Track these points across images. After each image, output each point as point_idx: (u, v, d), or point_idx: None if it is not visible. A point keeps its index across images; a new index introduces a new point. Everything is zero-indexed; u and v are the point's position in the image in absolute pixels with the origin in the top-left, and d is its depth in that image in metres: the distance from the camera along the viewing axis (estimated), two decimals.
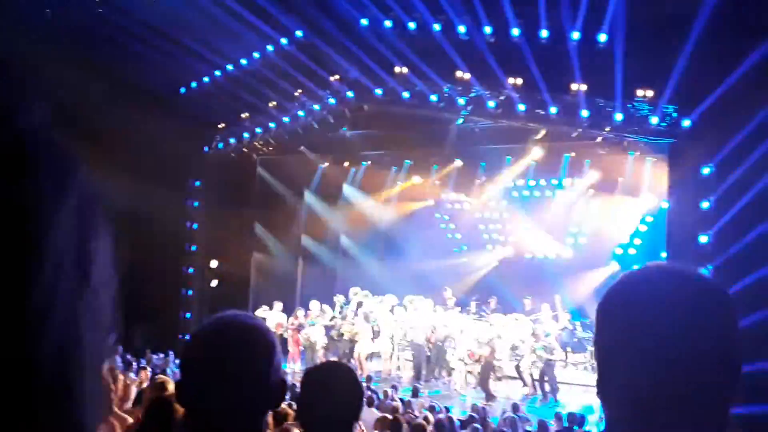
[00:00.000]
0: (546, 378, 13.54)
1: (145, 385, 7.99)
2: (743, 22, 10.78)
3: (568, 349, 15.83)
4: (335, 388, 2.12)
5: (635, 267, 1.15)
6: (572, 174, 17.67)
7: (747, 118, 10.17)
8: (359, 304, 15.89)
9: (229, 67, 15.61)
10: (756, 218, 10.04)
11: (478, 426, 8.53)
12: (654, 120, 12.09)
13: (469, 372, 14.33)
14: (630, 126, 12.55)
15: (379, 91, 14.31)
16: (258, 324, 1.49)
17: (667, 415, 1.02)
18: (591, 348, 16.08)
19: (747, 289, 10.06)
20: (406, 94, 14.00)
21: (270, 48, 15.16)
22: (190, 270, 17.24)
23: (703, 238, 11.19)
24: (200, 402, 1.41)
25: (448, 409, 10.06)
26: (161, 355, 13.56)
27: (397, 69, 13.94)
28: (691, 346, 1.01)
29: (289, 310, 15.94)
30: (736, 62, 10.33)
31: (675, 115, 11.95)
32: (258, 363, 1.43)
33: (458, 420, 9.37)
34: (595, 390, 1.12)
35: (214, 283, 17.00)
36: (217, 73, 15.78)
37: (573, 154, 16.45)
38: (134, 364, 11.51)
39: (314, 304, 15.90)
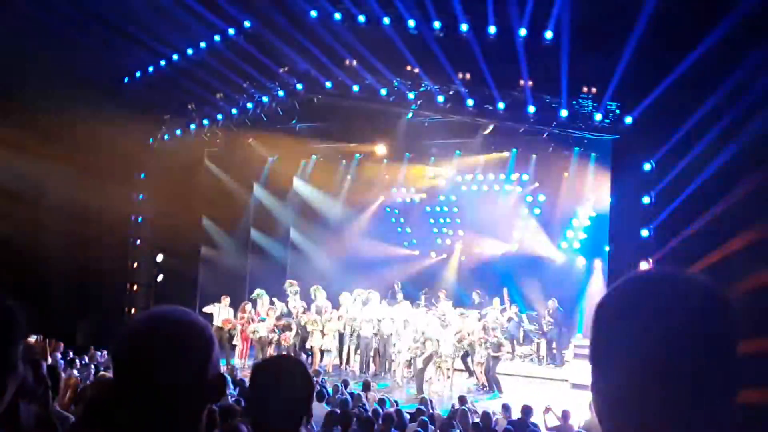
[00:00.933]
0: (489, 371, 13.71)
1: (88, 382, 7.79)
2: (683, 21, 11.12)
3: (515, 341, 16.14)
4: (285, 381, 2.10)
5: (635, 273, 1.13)
6: (519, 169, 17.97)
7: (686, 116, 10.49)
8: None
9: (175, 56, 15.28)
10: (694, 213, 10.39)
11: (426, 419, 8.61)
12: (598, 117, 12.37)
13: (410, 364, 14.45)
14: (575, 122, 12.82)
15: (328, 84, 14.23)
16: (194, 319, 1.45)
17: (660, 418, 1.02)
18: (537, 340, 16.43)
19: None
20: (355, 88, 13.96)
21: (217, 38, 14.90)
22: (135, 264, 16.86)
23: (644, 232, 11.52)
24: (133, 400, 1.37)
25: (396, 403, 10.11)
26: (105, 353, 13.23)
27: (346, 62, 13.89)
28: (687, 350, 1.01)
29: (237, 305, 15.73)
30: (676, 61, 10.64)
31: (618, 112, 12.25)
32: (194, 358, 1.39)
33: (407, 413, 9.43)
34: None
35: (160, 277, 16.67)
36: (162, 62, 15.43)
37: (520, 149, 16.75)
38: (77, 361, 11.20)
39: (265, 299, 15.76)
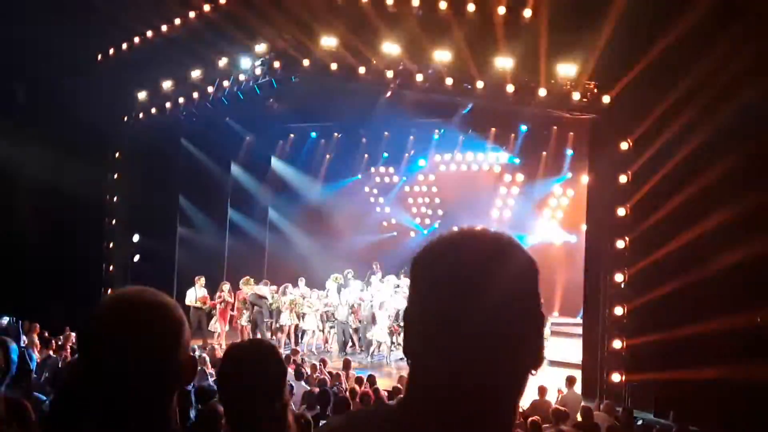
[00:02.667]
0: None
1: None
2: (661, 1, 11.16)
3: None
4: (256, 365, 2.10)
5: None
6: (498, 148, 18.01)
7: (663, 96, 10.56)
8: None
9: (149, 33, 15.00)
10: (671, 192, 10.51)
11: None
12: (575, 96, 12.39)
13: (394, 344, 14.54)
14: (553, 101, 12.83)
15: (306, 62, 14.07)
16: (163, 299, 1.41)
17: (456, 371, 1.04)
18: None
19: (661, 259, 10.57)
20: (333, 66, 13.82)
21: (192, 14, 14.65)
22: (111, 245, 16.68)
23: (621, 211, 11.63)
24: (100, 382, 1.34)
25: (373, 381, 10.15)
26: None
27: (324, 40, 13.74)
28: (490, 307, 1.03)
29: (215, 285, 15.66)
30: (654, 41, 10.68)
31: (596, 91, 12.28)
32: (162, 340, 1.36)
33: (385, 391, 9.49)
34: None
35: (136, 258, 16.51)
36: (136, 39, 15.14)
37: (498, 128, 16.77)
38: (53, 342, 11.10)
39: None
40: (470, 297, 1.04)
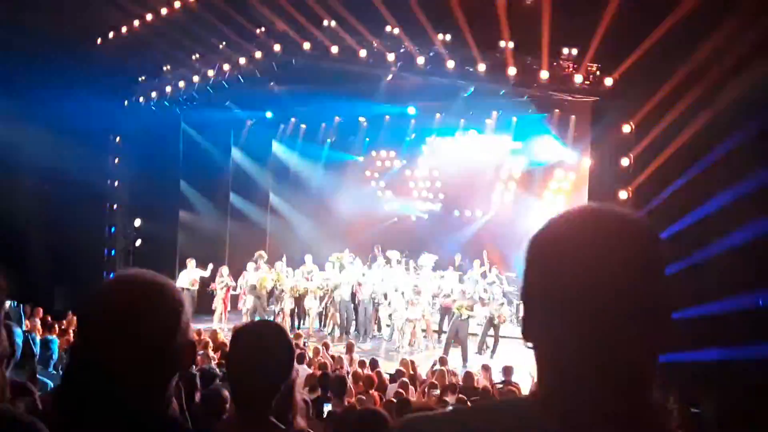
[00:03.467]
0: (459, 333, 13.67)
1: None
2: None
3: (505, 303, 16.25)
4: (265, 347, 2.09)
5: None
6: (499, 131, 17.94)
7: (666, 78, 10.50)
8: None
9: (149, 16, 14.88)
10: (673, 175, 10.48)
11: (407, 380, 8.70)
12: (578, 78, 12.32)
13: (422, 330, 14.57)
14: (555, 84, 12.76)
15: (307, 45, 13.98)
16: (164, 282, 1.40)
17: (591, 355, 1.01)
18: (517, 302, 16.60)
19: (664, 242, 10.54)
20: (334, 49, 13.73)
21: None
22: (113, 229, 16.69)
23: (623, 194, 11.61)
24: (96, 365, 1.33)
25: (375, 365, 10.19)
26: None
27: (325, 23, 13.64)
28: (618, 286, 1.00)
29: (217, 269, 15.71)
30: (656, 23, 10.60)
31: (598, 74, 12.21)
32: (161, 322, 1.35)
33: (387, 374, 9.53)
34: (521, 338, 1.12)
35: (138, 242, 16.53)
36: (136, 23, 15.03)
37: (500, 111, 16.69)
38: (56, 327, 11.13)
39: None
40: (604, 275, 1.00)
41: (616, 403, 1.02)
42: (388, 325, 15.28)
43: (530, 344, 1.09)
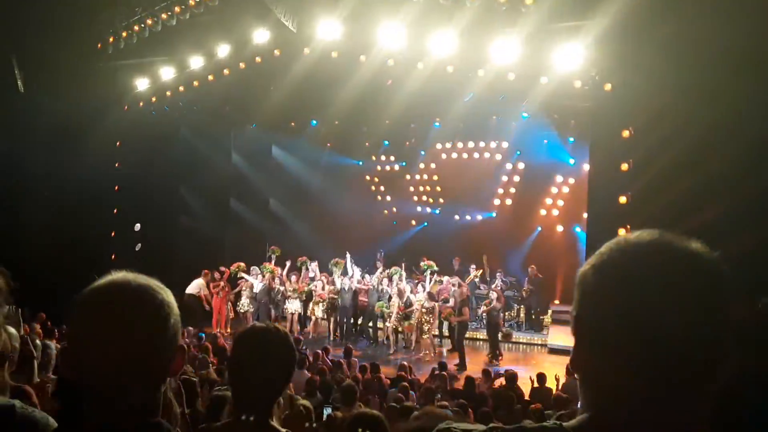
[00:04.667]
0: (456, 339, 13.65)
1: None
2: None
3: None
4: (267, 350, 2.09)
5: (627, 236, 1.09)
6: (499, 137, 17.97)
7: (665, 83, 10.51)
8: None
9: (149, 20, 14.88)
10: (672, 180, 10.47)
11: (407, 384, 8.69)
12: (577, 84, 12.33)
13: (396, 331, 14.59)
14: (554, 89, 12.76)
15: (307, 51, 14.00)
16: (151, 285, 1.38)
17: (659, 391, 1.00)
18: (517, 306, 16.61)
19: None
20: (334, 54, 13.75)
21: (192, 1, 14.53)
22: (113, 234, 16.67)
23: (623, 199, 11.60)
24: (83, 371, 1.32)
25: (377, 369, 10.18)
26: None
27: (325, 27, 13.62)
28: (687, 323, 0.98)
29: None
30: (656, 28, 10.61)
31: (597, 78, 12.22)
32: (148, 327, 1.33)
33: (387, 379, 9.52)
34: (569, 364, 1.10)
35: (138, 247, 16.52)
36: (136, 27, 15.02)
37: (500, 116, 16.72)
38: (56, 331, 11.12)
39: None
40: (672, 316, 0.98)
41: None
42: (380, 328, 15.28)
43: (577, 374, 1.08)
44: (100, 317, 1.32)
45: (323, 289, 15.32)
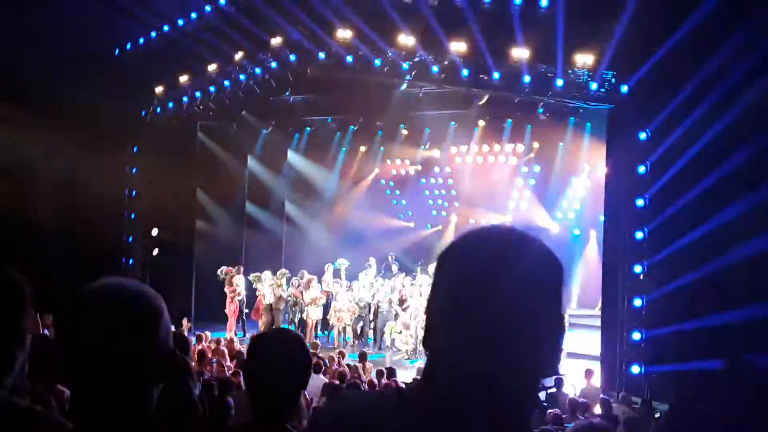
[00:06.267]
0: None
1: None
2: None
3: None
4: (283, 355, 2.10)
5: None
6: (514, 140, 17.90)
7: (682, 84, 10.43)
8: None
9: (166, 27, 15.06)
10: (690, 182, 10.39)
11: None
12: (593, 86, 12.26)
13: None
14: (570, 92, 12.71)
15: (322, 55, 14.06)
16: (142, 290, 1.39)
17: (479, 371, 1.04)
18: None
19: (681, 249, 10.47)
20: (349, 59, 13.79)
21: (208, 8, 14.69)
22: (131, 239, 16.82)
23: (640, 202, 11.52)
24: (74, 375, 1.33)
25: (393, 374, 10.17)
26: None
27: (340, 32, 13.71)
28: (516, 307, 1.04)
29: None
30: (672, 29, 10.54)
31: (613, 81, 12.15)
32: (135, 332, 1.33)
33: (404, 384, 9.50)
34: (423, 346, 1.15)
35: (155, 252, 16.63)
36: (153, 34, 15.21)
37: (515, 119, 16.64)
38: None
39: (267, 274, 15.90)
40: (489, 294, 1.04)
41: (492, 414, 1.05)
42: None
43: (426, 351, 1.14)
44: (91, 320, 1.32)
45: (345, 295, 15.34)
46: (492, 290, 1.04)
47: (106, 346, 1.30)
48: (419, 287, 14.86)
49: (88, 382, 1.32)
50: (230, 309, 15.54)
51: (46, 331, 10.61)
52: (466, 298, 1.05)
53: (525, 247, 1.10)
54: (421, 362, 13.16)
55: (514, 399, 1.07)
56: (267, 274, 15.74)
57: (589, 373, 10.36)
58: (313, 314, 15.39)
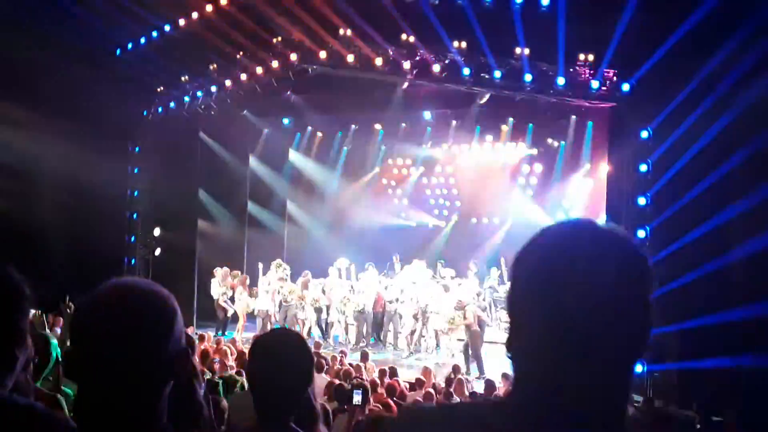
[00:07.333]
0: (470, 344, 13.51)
1: None
2: None
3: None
4: (285, 355, 2.10)
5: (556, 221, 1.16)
6: (515, 138, 17.88)
7: (684, 83, 10.42)
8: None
9: (167, 27, 15.04)
10: (692, 180, 10.38)
11: (432, 390, 8.68)
12: (595, 84, 12.26)
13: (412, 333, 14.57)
14: (572, 90, 12.70)
15: (323, 54, 14.06)
16: (156, 290, 1.39)
17: (575, 369, 1.03)
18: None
19: (683, 248, 10.46)
20: (350, 58, 13.79)
21: (209, 8, 14.67)
22: (132, 239, 16.83)
23: (642, 200, 11.52)
24: (87, 374, 1.33)
25: (394, 373, 10.17)
26: None
27: (341, 32, 13.71)
28: (605, 302, 1.02)
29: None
30: (674, 27, 10.53)
31: (615, 79, 12.14)
32: (150, 331, 1.33)
33: (406, 383, 9.51)
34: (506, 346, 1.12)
35: (157, 251, 16.65)
36: (154, 33, 15.19)
37: (516, 118, 16.63)
38: None
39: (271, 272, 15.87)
40: (581, 291, 1.02)
41: (591, 416, 1.04)
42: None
43: (510, 354, 1.12)
44: (103, 319, 1.32)
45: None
46: (584, 287, 1.02)
47: (122, 345, 1.30)
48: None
49: (102, 381, 1.32)
50: (240, 308, 15.50)
51: (58, 330, 10.64)
52: (557, 297, 1.03)
53: (613, 240, 1.08)
54: (415, 358, 13.20)
55: (612, 395, 1.06)
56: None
57: None
58: (313, 314, 15.38)
